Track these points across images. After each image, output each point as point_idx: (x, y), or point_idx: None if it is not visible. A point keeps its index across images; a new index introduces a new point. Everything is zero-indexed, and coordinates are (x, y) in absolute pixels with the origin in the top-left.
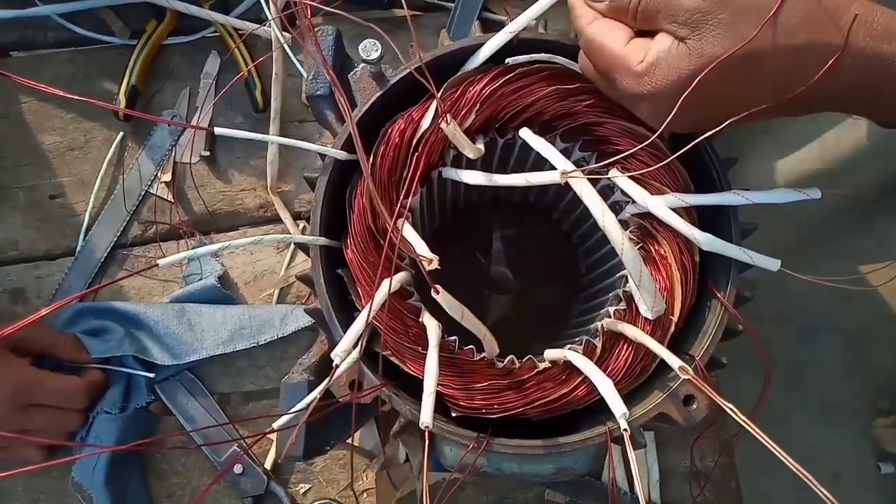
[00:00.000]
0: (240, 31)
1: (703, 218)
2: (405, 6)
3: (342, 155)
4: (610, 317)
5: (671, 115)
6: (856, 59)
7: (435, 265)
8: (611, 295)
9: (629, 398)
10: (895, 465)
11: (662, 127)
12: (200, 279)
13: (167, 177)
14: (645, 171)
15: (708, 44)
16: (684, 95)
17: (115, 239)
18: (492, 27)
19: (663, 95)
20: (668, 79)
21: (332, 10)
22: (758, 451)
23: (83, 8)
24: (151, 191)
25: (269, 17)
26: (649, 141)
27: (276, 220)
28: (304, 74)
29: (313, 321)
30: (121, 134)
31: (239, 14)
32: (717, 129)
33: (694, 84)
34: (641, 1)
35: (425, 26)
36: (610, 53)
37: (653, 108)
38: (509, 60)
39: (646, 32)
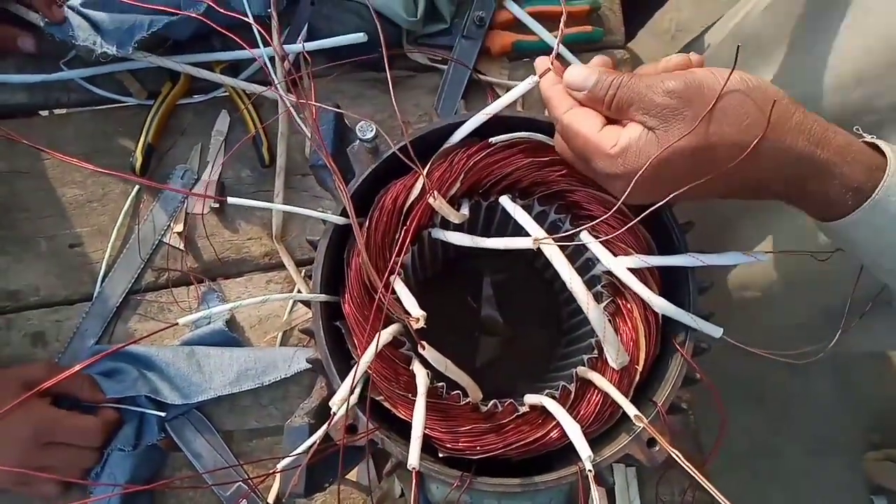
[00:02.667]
0: (248, 93)
1: (667, 275)
2: (388, 75)
3: (341, 221)
4: (584, 364)
5: (642, 191)
6: (793, 158)
7: (422, 324)
8: (587, 342)
9: (599, 440)
10: (888, 499)
11: (624, 196)
12: (209, 323)
13: (179, 227)
14: (612, 235)
15: (673, 135)
16: (639, 171)
17: (130, 285)
18: (476, 102)
19: (634, 175)
20: (638, 161)
21: (327, 106)
22: (744, 485)
23: (105, 72)
24: (164, 240)
25: (275, 81)
26: (615, 208)
27: (280, 266)
28: (308, 133)
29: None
30: (136, 187)
31: (247, 77)
32: (665, 200)
33: (659, 164)
34: (617, 94)
35: (420, 86)
36: (585, 138)
37: (625, 186)
38: (492, 140)
39: (615, 121)
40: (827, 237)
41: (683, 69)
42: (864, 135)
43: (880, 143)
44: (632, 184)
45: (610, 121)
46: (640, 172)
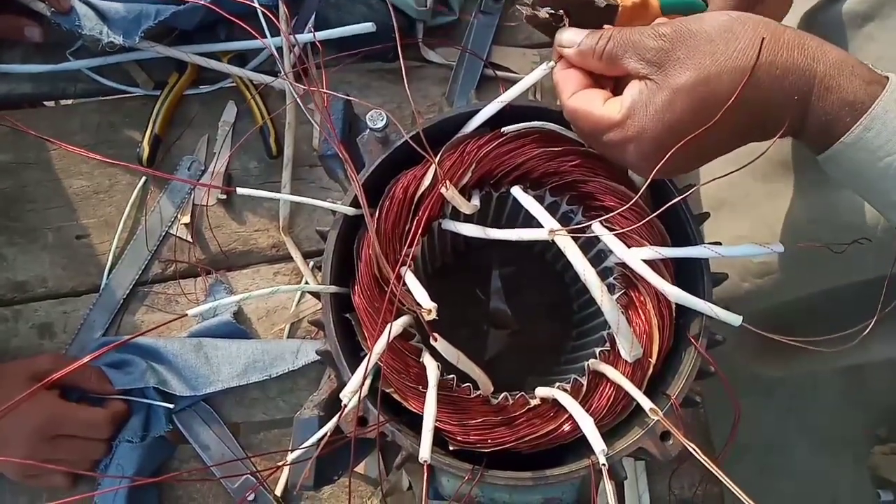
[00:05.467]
0: (255, 83)
1: (681, 267)
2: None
3: (351, 211)
4: (596, 357)
5: (657, 148)
6: (791, 73)
7: (433, 315)
8: (598, 335)
9: (612, 433)
10: (894, 492)
11: (643, 163)
12: (216, 315)
13: (186, 218)
14: (629, 228)
15: (672, 76)
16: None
17: (137, 277)
18: (487, 93)
19: (647, 133)
20: (646, 116)
21: (338, 94)
22: (751, 478)
23: (112, 62)
24: (171, 231)
25: (283, 71)
26: (633, 200)
27: (288, 258)
28: (315, 124)
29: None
30: (143, 178)
31: (254, 67)
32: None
33: (664, 109)
34: (609, 44)
35: (428, 77)
36: (591, 115)
37: (641, 150)
38: (505, 129)
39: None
40: (830, 174)
41: None
42: (878, 70)
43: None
44: (647, 143)
45: (613, 94)
46: (650, 125)
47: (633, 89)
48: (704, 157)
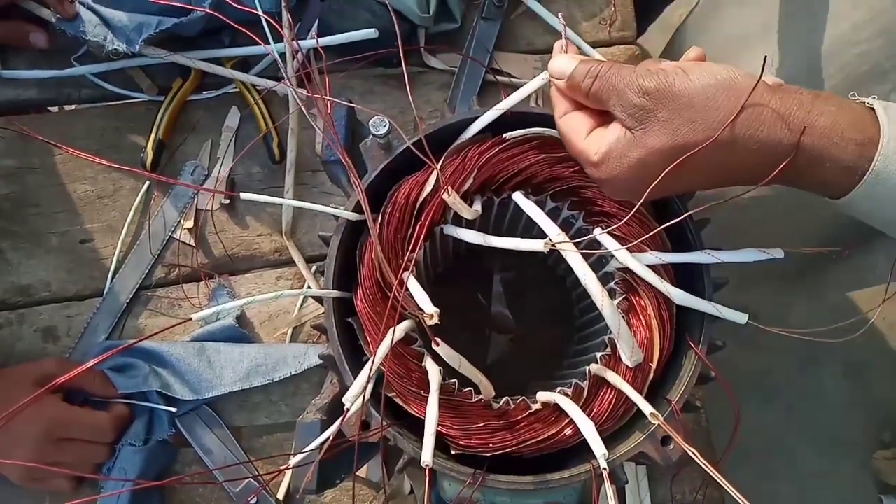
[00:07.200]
0: (258, 88)
1: (681, 272)
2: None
3: (353, 216)
4: (597, 362)
5: (629, 193)
6: (773, 149)
7: (435, 320)
8: (599, 340)
9: (613, 438)
10: None
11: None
12: (219, 319)
13: (189, 223)
14: (638, 241)
15: (650, 136)
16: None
17: (141, 281)
18: (489, 99)
19: (617, 180)
20: (619, 167)
21: (340, 101)
22: (752, 482)
23: (116, 68)
24: (175, 236)
25: (286, 76)
26: (633, 211)
27: (291, 263)
28: (318, 130)
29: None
30: (147, 183)
31: (258, 72)
32: (656, 194)
33: (637, 166)
34: (594, 85)
35: (431, 82)
36: (574, 145)
37: (611, 190)
38: (506, 135)
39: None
40: (836, 210)
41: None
42: (865, 99)
43: (876, 104)
44: (617, 187)
45: (601, 120)
46: (622, 175)
47: (611, 135)
48: (678, 193)
